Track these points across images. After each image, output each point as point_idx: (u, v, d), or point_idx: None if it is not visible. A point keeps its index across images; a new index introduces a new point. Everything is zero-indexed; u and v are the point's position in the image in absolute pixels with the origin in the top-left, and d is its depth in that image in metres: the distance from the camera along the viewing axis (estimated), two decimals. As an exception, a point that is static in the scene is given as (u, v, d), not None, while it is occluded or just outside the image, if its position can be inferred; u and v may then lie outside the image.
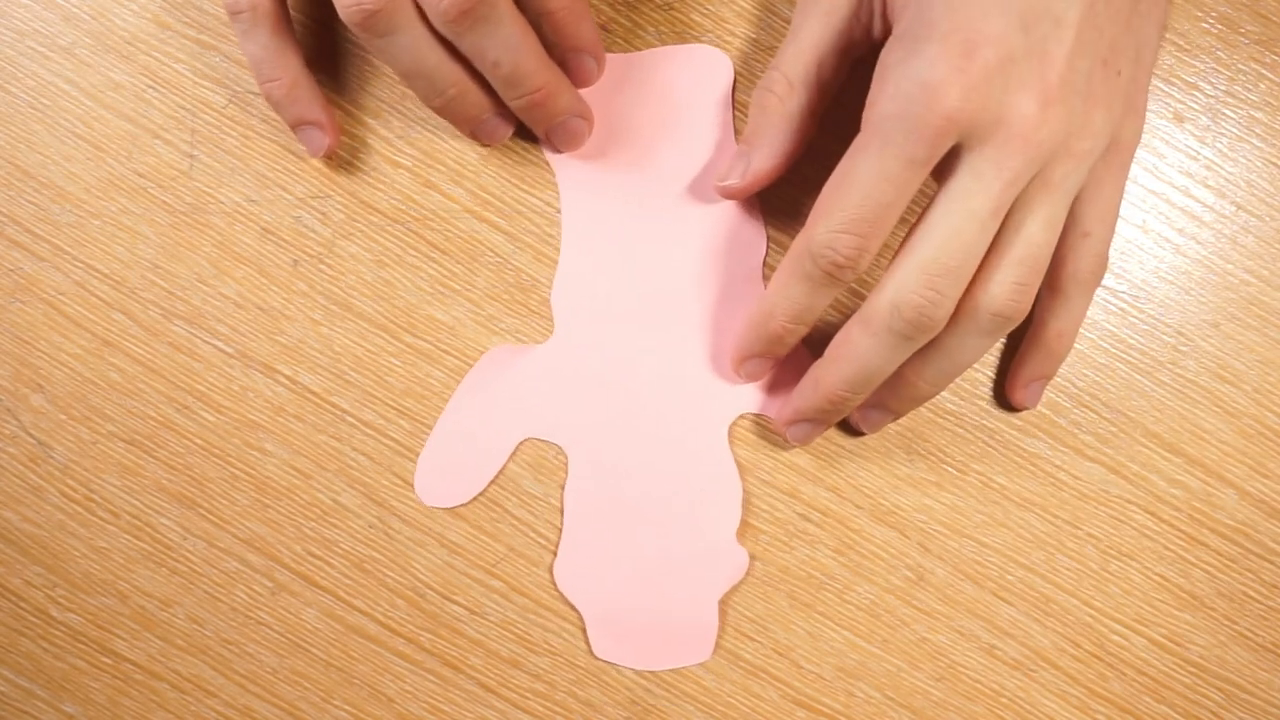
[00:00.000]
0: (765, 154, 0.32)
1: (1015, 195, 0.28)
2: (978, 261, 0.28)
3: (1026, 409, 0.35)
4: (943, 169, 0.28)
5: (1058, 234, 0.29)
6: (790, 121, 0.32)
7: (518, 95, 0.32)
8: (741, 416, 0.36)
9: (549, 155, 0.36)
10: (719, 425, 0.36)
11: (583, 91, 0.35)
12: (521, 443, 0.36)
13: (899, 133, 0.27)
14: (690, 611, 0.36)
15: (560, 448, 0.36)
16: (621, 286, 0.36)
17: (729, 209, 0.35)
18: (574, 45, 0.33)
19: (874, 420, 0.34)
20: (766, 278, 0.36)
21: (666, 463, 0.36)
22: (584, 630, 0.36)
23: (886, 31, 0.29)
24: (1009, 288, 0.29)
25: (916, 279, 0.28)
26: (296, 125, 0.34)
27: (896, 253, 0.29)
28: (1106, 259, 0.32)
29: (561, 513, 0.36)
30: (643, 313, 0.36)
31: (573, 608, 0.36)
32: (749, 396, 0.36)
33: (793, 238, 0.35)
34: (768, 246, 0.36)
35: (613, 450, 0.36)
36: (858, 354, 0.30)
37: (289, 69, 0.33)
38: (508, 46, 0.31)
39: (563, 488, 0.36)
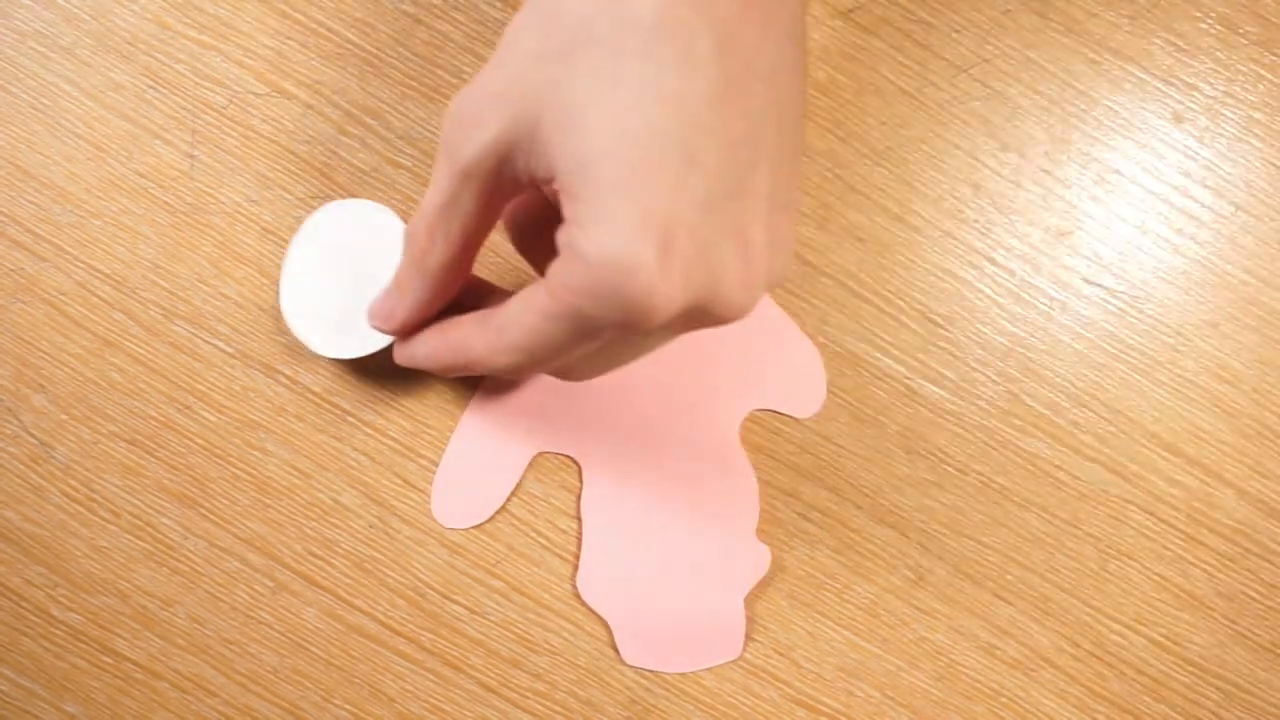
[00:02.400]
0: (410, 305, 0.30)
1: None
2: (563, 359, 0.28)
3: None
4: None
5: None
6: (434, 275, 0.29)
7: None
8: (749, 415, 0.36)
9: None
10: (730, 424, 0.36)
11: None
12: (535, 457, 0.36)
13: (585, 323, 0.24)
14: (717, 611, 0.36)
15: (573, 459, 0.36)
16: None
17: None
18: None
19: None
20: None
21: (680, 465, 0.36)
22: (611, 638, 0.36)
23: (544, 178, 0.25)
24: (585, 370, 0.29)
25: (504, 358, 0.27)
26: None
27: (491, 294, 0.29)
28: None
29: (579, 524, 0.36)
30: None
31: (599, 618, 0.36)
32: (759, 394, 0.36)
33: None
34: None
35: (626, 457, 0.36)
36: (439, 345, 0.30)
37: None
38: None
39: (578, 499, 0.36)
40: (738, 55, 0.23)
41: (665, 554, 0.36)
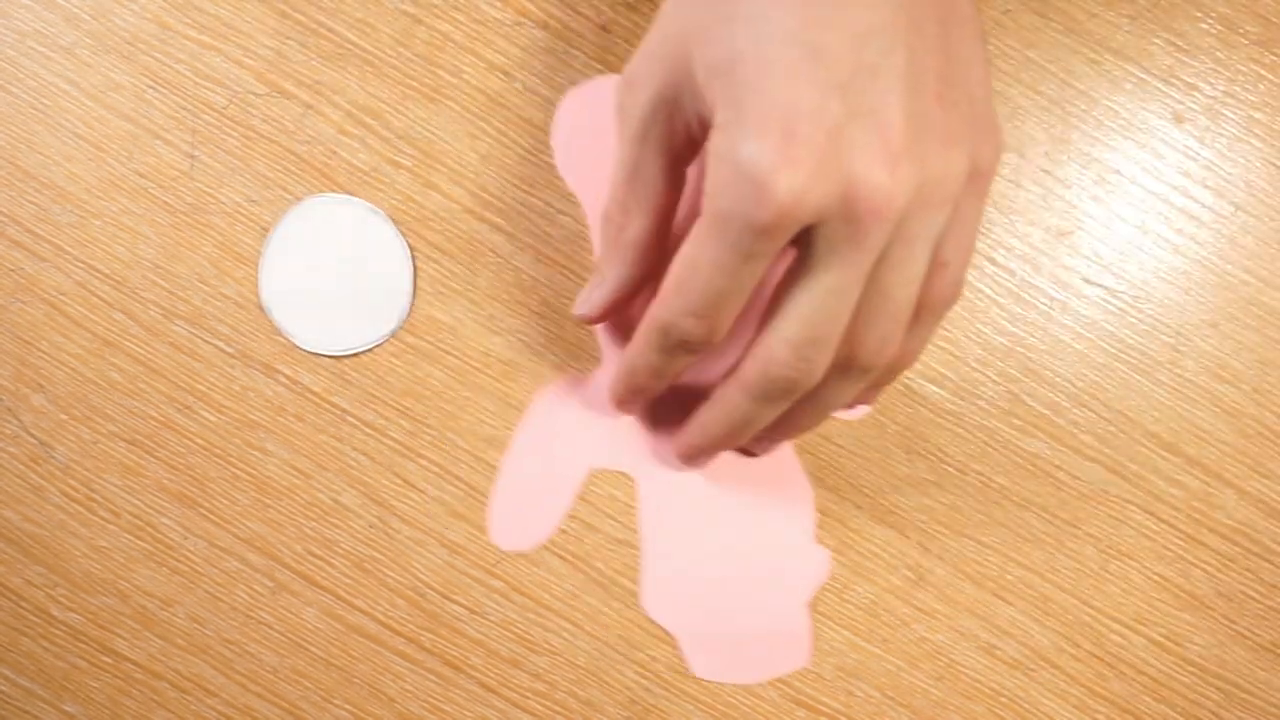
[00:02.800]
0: (612, 285, 0.31)
1: (876, 258, 0.26)
2: (845, 324, 0.27)
3: (866, 404, 0.34)
4: (797, 237, 0.26)
5: (922, 280, 0.28)
6: (632, 249, 0.30)
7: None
8: None
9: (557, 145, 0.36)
10: None
11: None
12: (590, 474, 0.36)
13: (732, 230, 0.25)
14: (781, 619, 0.36)
15: (628, 475, 0.36)
16: None
17: None
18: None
19: (762, 448, 0.34)
20: None
21: (734, 474, 0.36)
22: (680, 651, 0.36)
23: (708, 124, 0.27)
24: (876, 345, 0.28)
25: (785, 353, 0.27)
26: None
27: (764, 319, 0.28)
28: (963, 283, 0.30)
29: (639, 539, 0.36)
30: None
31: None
32: None
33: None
34: None
35: (678, 469, 0.36)
36: (737, 410, 0.30)
37: None
38: None
39: (635, 515, 0.36)
40: None
41: (726, 565, 0.36)
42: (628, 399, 0.32)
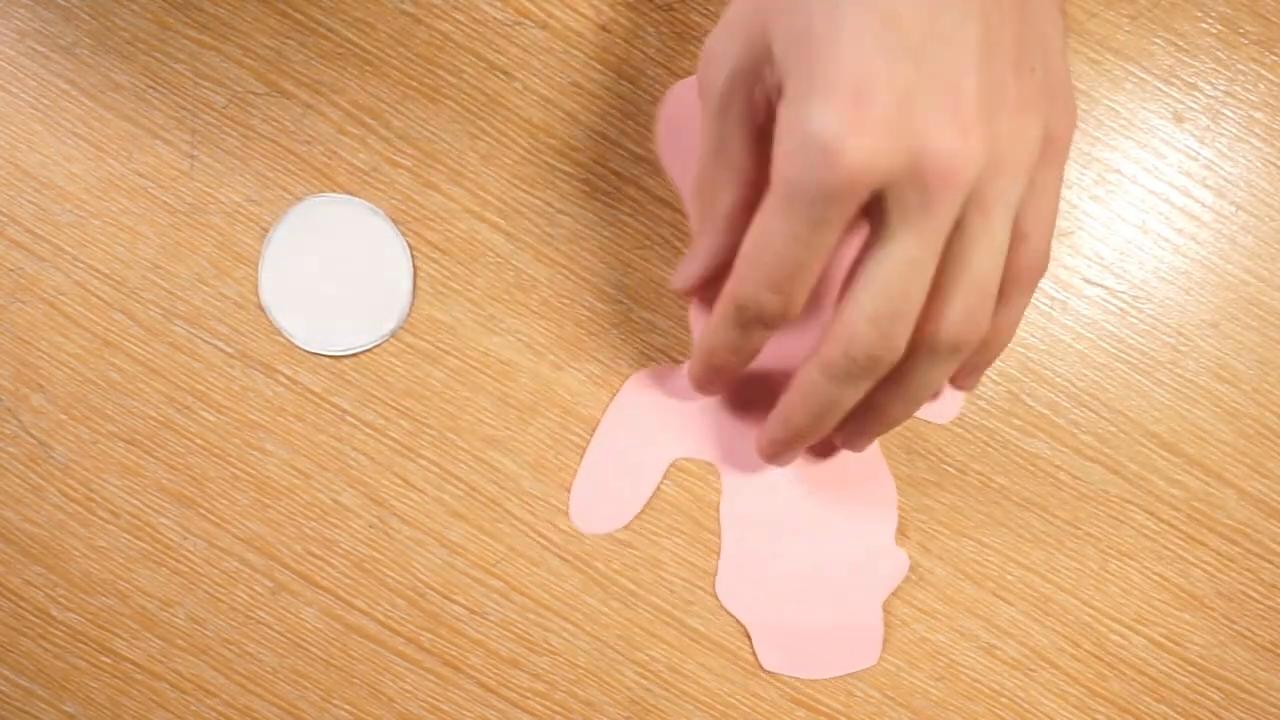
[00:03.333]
0: (704, 257, 0.31)
1: (950, 227, 0.26)
2: (924, 296, 0.27)
3: (964, 389, 0.34)
4: (870, 209, 0.26)
5: (1004, 252, 0.28)
6: (723, 221, 0.30)
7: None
8: None
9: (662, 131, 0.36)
10: None
11: None
12: (673, 462, 0.36)
13: (802, 198, 0.25)
14: (855, 617, 0.36)
15: (712, 464, 0.36)
16: None
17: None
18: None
19: (856, 444, 0.33)
20: None
21: (819, 470, 0.36)
22: (750, 642, 0.36)
23: (780, 90, 0.27)
24: (960, 318, 0.27)
25: (865, 328, 0.27)
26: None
27: (841, 296, 0.28)
28: (1048, 255, 0.30)
29: (720, 528, 0.36)
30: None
31: (737, 622, 0.36)
32: None
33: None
34: None
35: (764, 462, 0.36)
36: (818, 393, 0.29)
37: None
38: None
39: (718, 505, 0.36)
40: None
41: (804, 560, 0.36)
42: (707, 379, 0.32)
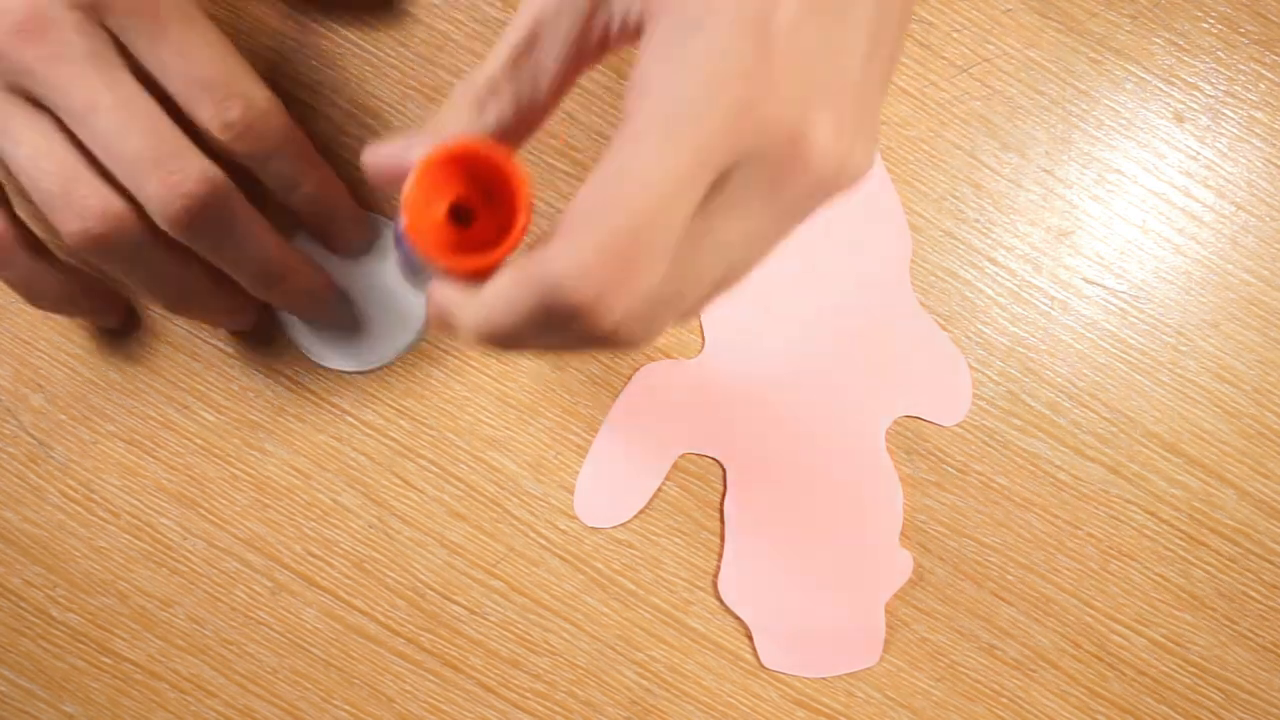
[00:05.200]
0: (423, 139, 0.24)
1: (790, 229, 0.22)
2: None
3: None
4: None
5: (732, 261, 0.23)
6: (482, 134, 0.24)
7: (267, 286, 0.32)
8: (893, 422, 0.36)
9: None
10: (875, 429, 0.36)
11: None
12: (677, 459, 0.36)
13: (691, 121, 0.20)
14: (857, 617, 0.36)
15: (718, 460, 0.36)
16: (769, 296, 0.36)
17: (872, 211, 0.35)
18: (334, 218, 0.33)
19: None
20: (913, 280, 0.36)
21: (824, 469, 0.36)
22: (750, 641, 0.36)
23: (635, 27, 0.23)
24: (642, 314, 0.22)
25: (642, 309, 0.22)
26: (86, 316, 0.34)
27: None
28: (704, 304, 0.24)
29: (721, 525, 0.36)
30: (792, 319, 0.36)
31: (738, 622, 0.36)
32: (905, 400, 0.36)
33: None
34: (912, 247, 0.36)
35: (771, 460, 0.36)
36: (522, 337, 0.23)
37: (52, 280, 0.32)
38: (248, 241, 0.31)
39: (722, 500, 0.36)
40: None
41: (807, 558, 0.36)
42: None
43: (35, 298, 0.32)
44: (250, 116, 0.30)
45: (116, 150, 0.28)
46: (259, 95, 0.31)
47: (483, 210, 0.23)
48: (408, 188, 0.22)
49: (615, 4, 0.23)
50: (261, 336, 0.36)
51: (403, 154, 0.24)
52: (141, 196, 0.29)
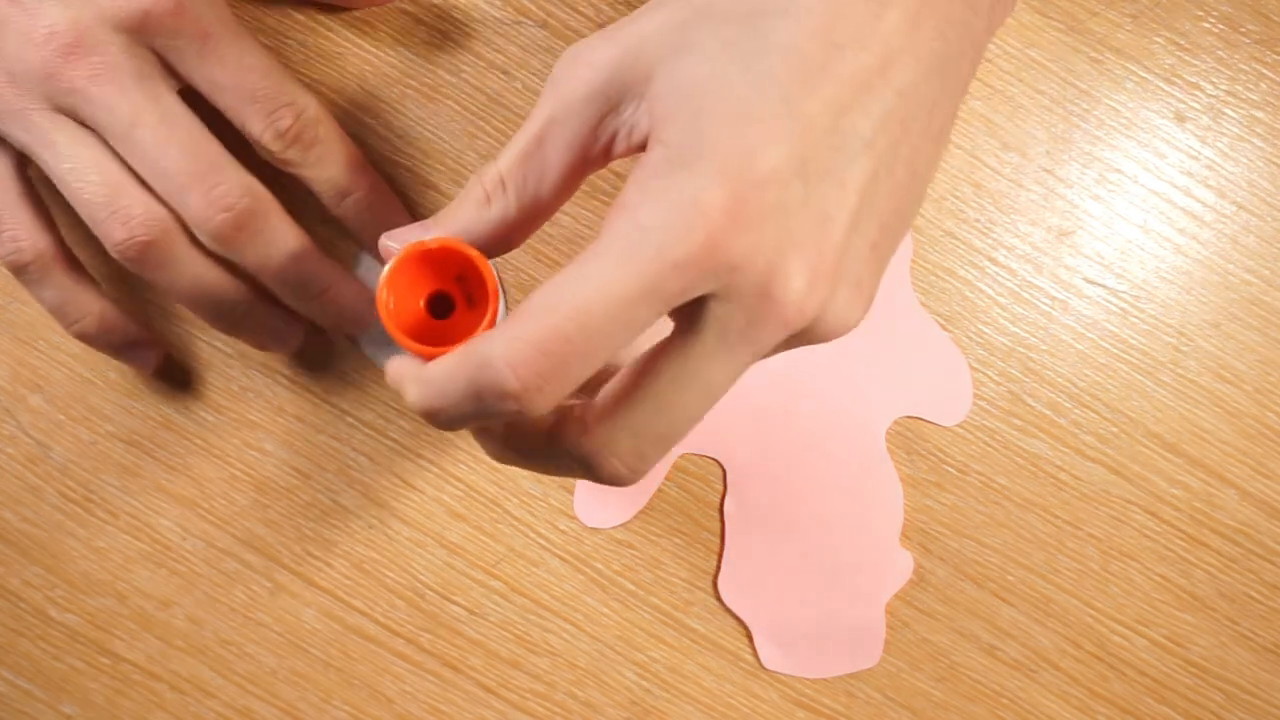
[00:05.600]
0: (437, 231, 0.26)
1: (753, 362, 0.23)
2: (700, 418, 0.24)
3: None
4: (683, 312, 0.23)
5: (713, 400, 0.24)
6: (486, 227, 0.25)
7: (308, 299, 0.32)
8: (893, 422, 0.36)
9: None
10: (876, 430, 0.36)
11: None
12: (677, 460, 0.36)
13: (649, 249, 0.21)
14: (857, 617, 0.36)
15: (718, 461, 0.36)
16: None
17: None
18: (385, 226, 0.33)
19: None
20: (913, 280, 0.35)
21: (825, 470, 0.36)
22: (750, 641, 0.36)
23: (640, 142, 0.24)
24: (629, 450, 0.24)
25: (629, 445, 0.24)
26: (117, 352, 0.34)
27: (617, 395, 0.24)
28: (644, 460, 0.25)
29: (722, 525, 0.36)
30: None
31: (738, 623, 0.36)
32: (906, 400, 0.36)
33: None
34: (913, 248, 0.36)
35: (770, 460, 0.36)
36: (500, 454, 0.26)
37: (93, 303, 0.32)
38: (288, 254, 0.31)
39: (722, 501, 0.36)
40: (877, 60, 0.23)
41: (807, 559, 0.36)
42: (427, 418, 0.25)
43: (71, 322, 0.32)
44: (301, 125, 0.31)
45: (159, 165, 0.29)
46: (308, 104, 0.31)
47: (463, 306, 0.25)
48: (383, 276, 0.24)
49: (625, 115, 0.24)
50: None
51: (412, 238, 0.26)
52: (184, 211, 0.30)
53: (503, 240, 0.26)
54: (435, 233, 0.25)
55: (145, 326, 0.34)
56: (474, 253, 0.24)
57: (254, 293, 0.32)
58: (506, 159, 0.25)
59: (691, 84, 0.23)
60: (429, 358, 0.24)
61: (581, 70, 0.24)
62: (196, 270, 0.31)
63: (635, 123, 0.24)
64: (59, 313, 0.32)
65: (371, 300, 0.33)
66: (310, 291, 0.32)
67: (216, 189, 0.30)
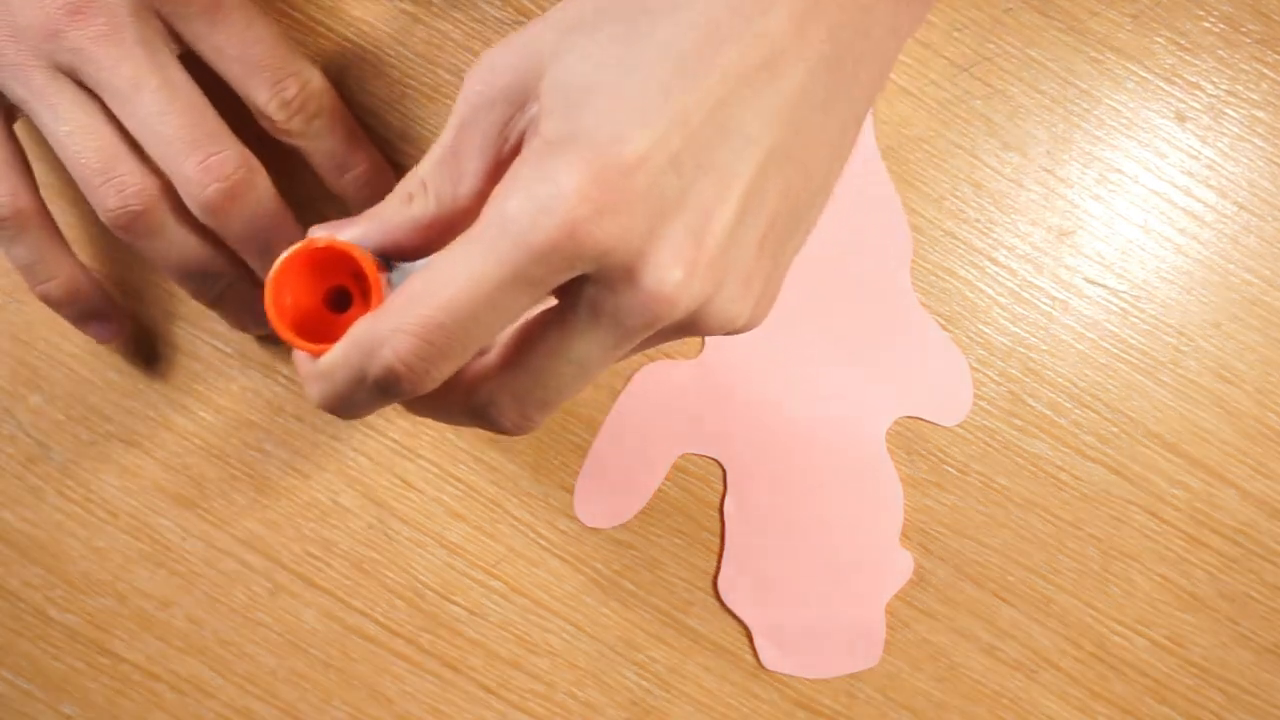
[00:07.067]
0: (358, 232, 0.26)
1: (630, 347, 0.24)
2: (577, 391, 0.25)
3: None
4: (563, 290, 0.23)
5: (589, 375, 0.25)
6: (407, 227, 0.26)
7: None
8: (894, 422, 0.36)
9: None
10: (876, 430, 0.36)
11: None
12: (677, 459, 0.36)
13: (511, 237, 0.22)
14: (857, 617, 0.36)
15: (718, 461, 0.36)
16: None
17: (871, 213, 0.35)
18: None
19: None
20: (914, 280, 0.36)
21: (825, 470, 0.36)
22: (750, 641, 0.36)
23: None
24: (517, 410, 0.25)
25: (513, 406, 0.25)
26: (82, 321, 0.33)
27: (500, 359, 0.25)
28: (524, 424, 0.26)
29: (722, 525, 0.36)
30: (792, 320, 0.35)
31: (738, 623, 0.36)
32: (906, 400, 0.36)
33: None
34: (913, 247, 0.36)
35: (771, 461, 0.36)
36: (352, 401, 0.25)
37: (64, 266, 0.32)
38: (277, 231, 0.31)
39: (722, 501, 0.36)
40: (760, 57, 0.23)
41: (807, 559, 0.36)
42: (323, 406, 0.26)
43: (39, 282, 0.32)
44: (305, 95, 0.31)
45: (157, 130, 0.29)
46: (313, 75, 0.32)
47: (360, 301, 0.26)
48: (270, 273, 0.25)
49: (528, 114, 0.25)
50: (261, 336, 0.36)
51: (341, 234, 0.26)
52: (178, 178, 0.30)
53: (426, 237, 0.26)
54: (360, 229, 0.26)
55: (115, 300, 0.34)
56: (357, 250, 0.25)
57: (241, 267, 0.32)
58: (427, 163, 0.26)
59: (572, 78, 0.23)
60: (316, 354, 0.24)
61: (486, 74, 0.25)
62: (185, 241, 0.31)
63: (533, 120, 0.24)
64: (28, 271, 0.32)
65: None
66: None
67: (213, 158, 0.30)
